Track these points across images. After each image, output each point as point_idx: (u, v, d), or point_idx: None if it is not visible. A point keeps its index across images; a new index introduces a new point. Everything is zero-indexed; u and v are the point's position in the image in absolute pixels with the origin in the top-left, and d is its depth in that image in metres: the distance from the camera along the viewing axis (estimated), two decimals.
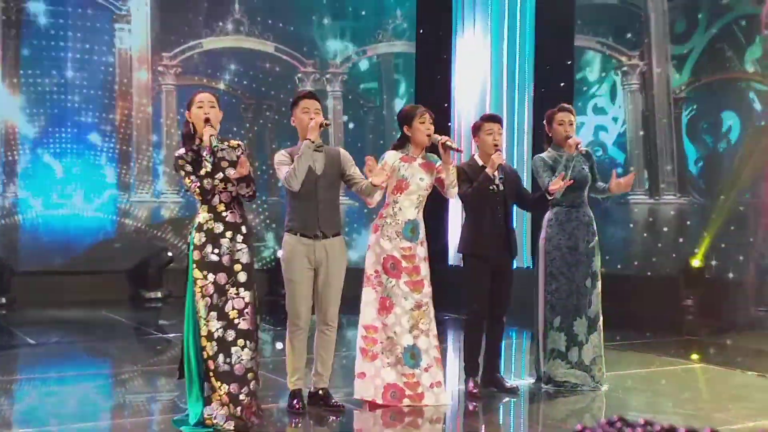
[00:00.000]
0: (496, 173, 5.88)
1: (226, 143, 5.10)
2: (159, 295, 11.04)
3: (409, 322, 5.59)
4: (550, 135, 6.21)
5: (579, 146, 5.99)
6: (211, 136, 4.95)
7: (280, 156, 5.39)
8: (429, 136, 5.63)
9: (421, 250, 5.67)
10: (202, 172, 4.94)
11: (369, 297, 5.67)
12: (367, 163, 5.30)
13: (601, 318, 6.20)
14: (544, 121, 6.25)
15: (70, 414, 5.59)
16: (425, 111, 5.69)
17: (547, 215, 6.18)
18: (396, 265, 5.61)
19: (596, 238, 6.20)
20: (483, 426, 5.67)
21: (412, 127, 5.67)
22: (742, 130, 10.85)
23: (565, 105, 6.29)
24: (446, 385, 5.83)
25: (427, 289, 5.66)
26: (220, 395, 4.90)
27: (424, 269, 5.67)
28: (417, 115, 5.66)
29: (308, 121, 5.34)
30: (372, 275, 5.67)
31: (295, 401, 5.43)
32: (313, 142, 5.28)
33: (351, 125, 12.47)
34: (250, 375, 4.99)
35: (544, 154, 6.19)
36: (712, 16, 10.97)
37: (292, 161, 5.30)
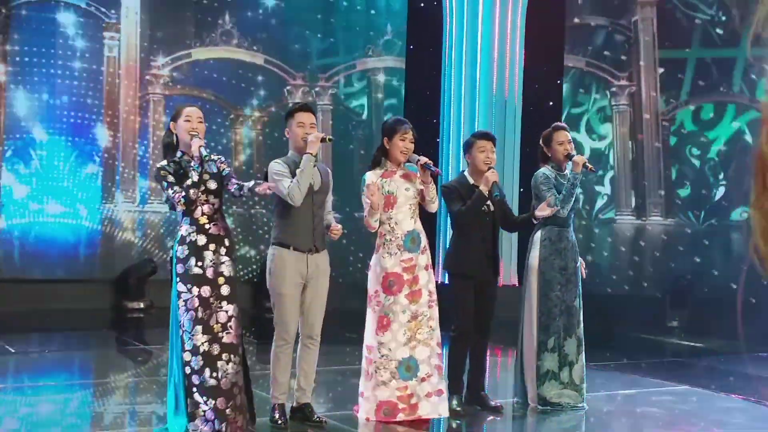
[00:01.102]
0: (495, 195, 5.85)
1: (212, 155, 5.07)
2: (141, 305, 10.95)
3: (406, 335, 5.55)
4: (548, 155, 6.14)
5: (587, 164, 5.92)
6: (200, 146, 4.94)
7: (278, 166, 5.31)
8: (405, 154, 5.60)
9: (423, 259, 5.62)
10: (188, 182, 4.92)
11: (369, 317, 5.66)
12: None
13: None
14: (541, 142, 6.18)
15: (50, 424, 5.53)
16: (409, 129, 5.62)
17: (538, 235, 6.11)
18: (396, 280, 5.56)
19: (580, 259, 6.19)
20: None
21: (392, 141, 5.62)
22: (729, 152, 10.91)
23: (560, 124, 6.25)
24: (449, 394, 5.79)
25: (426, 297, 5.60)
26: (203, 411, 4.85)
27: (424, 278, 5.61)
28: (399, 132, 5.61)
29: (303, 135, 5.32)
30: (372, 295, 5.65)
31: (277, 415, 5.38)
32: (314, 156, 5.26)
33: (339, 139, 12.43)
34: (235, 390, 4.95)
35: (545, 170, 6.12)
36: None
37: (290, 173, 5.27)
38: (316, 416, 5.46)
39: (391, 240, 5.60)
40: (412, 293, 5.57)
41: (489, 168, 5.81)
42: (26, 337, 9.12)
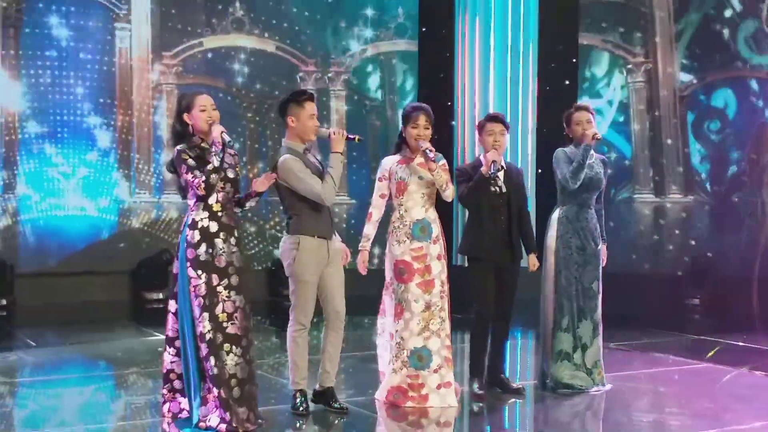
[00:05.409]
0: (498, 173, 5.80)
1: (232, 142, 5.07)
2: (160, 296, 10.98)
3: (419, 325, 5.57)
4: (570, 136, 6.11)
5: (596, 135, 5.88)
6: (222, 132, 4.92)
7: (298, 164, 5.29)
8: (417, 142, 5.60)
9: (435, 249, 5.64)
10: (210, 166, 4.89)
11: (387, 304, 5.74)
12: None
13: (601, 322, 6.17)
14: (564, 123, 6.16)
15: (71, 416, 5.57)
16: (419, 115, 5.64)
17: (556, 214, 6.10)
18: (406, 268, 5.59)
19: (601, 243, 6.13)
20: (488, 427, 5.63)
21: (406, 129, 5.68)
22: (748, 129, 10.82)
23: (582, 104, 6.25)
24: (460, 387, 5.83)
25: (439, 288, 5.61)
26: (213, 396, 4.88)
27: (437, 268, 5.63)
28: (411, 120, 5.66)
29: (314, 126, 5.34)
30: (388, 283, 5.72)
31: (298, 402, 5.40)
32: (342, 154, 5.31)
33: (353, 124, 12.40)
34: (233, 381, 4.93)
35: (566, 148, 6.10)
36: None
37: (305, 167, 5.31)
38: (338, 402, 5.47)
39: (399, 227, 5.64)
40: (425, 282, 5.58)
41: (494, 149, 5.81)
42: (46, 330, 9.17)
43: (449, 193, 5.66)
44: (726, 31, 10.95)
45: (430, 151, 5.52)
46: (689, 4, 11.29)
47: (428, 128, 5.64)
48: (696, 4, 11.23)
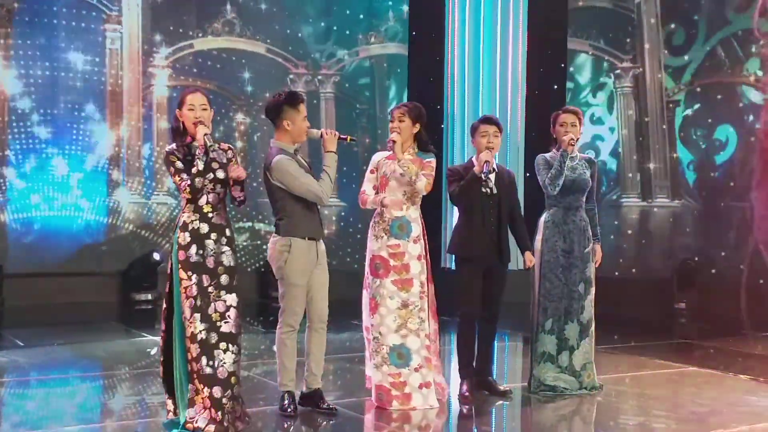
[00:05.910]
0: (490, 174, 5.82)
1: (217, 145, 5.04)
2: (149, 297, 10.98)
3: (396, 322, 5.58)
4: (554, 136, 6.14)
5: (572, 141, 5.91)
6: (205, 135, 4.89)
7: (293, 164, 5.30)
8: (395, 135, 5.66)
9: (414, 248, 5.63)
10: (194, 170, 4.89)
11: (365, 299, 5.75)
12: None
13: (594, 324, 6.16)
14: (551, 122, 6.19)
15: (59, 416, 5.55)
16: (394, 110, 5.75)
17: (543, 216, 6.13)
18: (382, 264, 5.61)
19: (591, 244, 6.15)
20: (474, 429, 5.64)
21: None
22: (735, 134, 10.88)
23: (570, 107, 6.28)
24: (448, 386, 5.85)
25: (417, 288, 5.61)
26: (202, 398, 4.85)
27: (416, 267, 5.62)
28: (390, 117, 5.77)
29: (306, 129, 5.36)
30: (365, 277, 5.73)
31: (286, 403, 5.40)
32: (335, 153, 5.35)
33: (342, 127, 12.42)
34: (233, 379, 4.92)
35: (547, 154, 6.14)
36: (711, 29, 11.02)
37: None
38: (326, 403, 5.48)
39: (379, 223, 5.67)
40: (401, 281, 5.59)
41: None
42: (35, 330, 9.15)
43: (420, 186, 5.60)
44: (714, 37, 11.01)
45: (392, 141, 5.58)
46: (677, 10, 11.35)
47: (403, 120, 5.66)
48: (685, 10, 11.29)
